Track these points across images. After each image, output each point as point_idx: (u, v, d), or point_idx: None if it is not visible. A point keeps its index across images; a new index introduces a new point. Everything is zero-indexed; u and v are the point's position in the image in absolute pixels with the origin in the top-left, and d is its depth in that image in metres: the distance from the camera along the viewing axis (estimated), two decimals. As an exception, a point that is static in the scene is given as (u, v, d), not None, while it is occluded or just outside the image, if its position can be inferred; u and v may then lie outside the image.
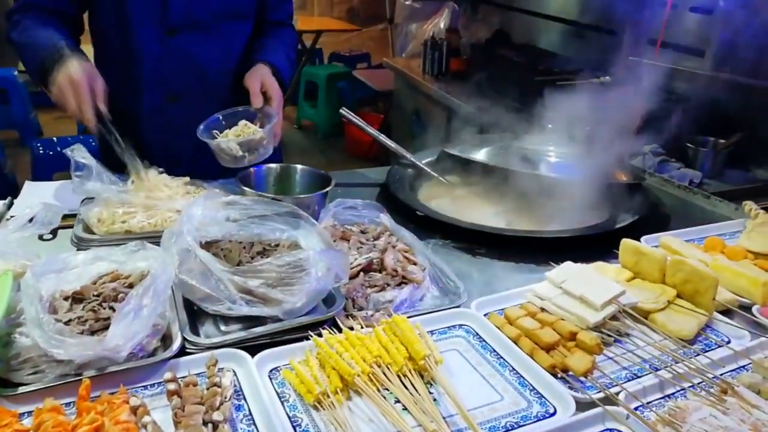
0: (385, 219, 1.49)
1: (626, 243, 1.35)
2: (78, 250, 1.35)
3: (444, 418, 0.93)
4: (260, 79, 1.70)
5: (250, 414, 0.95)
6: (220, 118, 1.65)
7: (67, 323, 1.02)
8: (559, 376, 1.05)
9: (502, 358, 1.10)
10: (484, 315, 1.21)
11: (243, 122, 1.63)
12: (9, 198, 1.62)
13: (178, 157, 1.78)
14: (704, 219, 1.73)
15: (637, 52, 2.24)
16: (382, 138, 1.96)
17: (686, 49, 2.59)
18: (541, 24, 3.88)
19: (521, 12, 4.07)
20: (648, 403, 0.99)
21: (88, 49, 1.68)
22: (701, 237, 1.60)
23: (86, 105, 1.48)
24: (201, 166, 1.67)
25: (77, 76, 1.48)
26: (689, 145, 2.38)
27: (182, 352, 1.05)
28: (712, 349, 1.14)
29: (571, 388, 1.02)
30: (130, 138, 1.56)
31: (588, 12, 3.41)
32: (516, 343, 1.12)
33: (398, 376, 1.00)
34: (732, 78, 1.77)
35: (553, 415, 0.97)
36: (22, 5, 1.68)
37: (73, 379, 0.96)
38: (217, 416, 0.89)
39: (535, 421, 0.96)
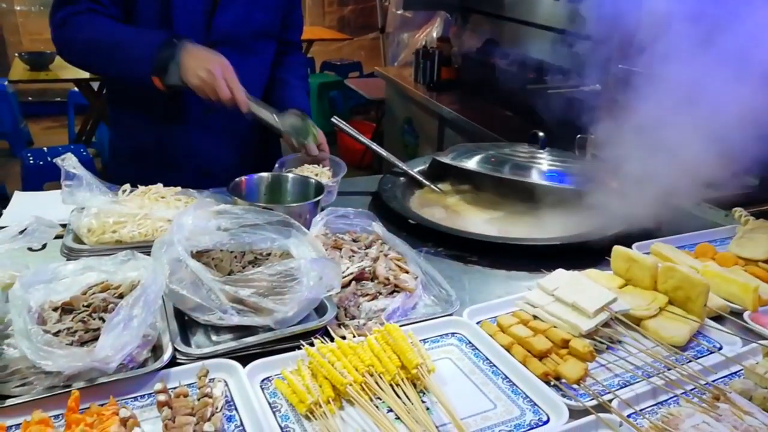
0: (377, 227, 1.49)
1: (618, 250, 1.36)
2: (68, 260, 1.34)
3: (437, 427, 0.93)
4: None
5: (242, 425, 0.94)
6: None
7: (56, 334, 1.01)
8: (551, 383, 1.05)
9: (494, 366, 1.10)
10: (477, 323, 1.20)
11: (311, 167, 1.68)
12: (-2, 209, 1.61)
13: (208, 168, 1.81)
14: (695, 226, 1.74)
15: (627, 60, 2.26)
16: (374, 146, 1.97)
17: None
18: (531, 33, 3.90)
19: (511, 21, 4.10)
20: (641, 410, 0.99)
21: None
22: (692, 244, 1.60)
23: (239, 87, 1.55)
24: (230, 177, 1.64)
25: (222, 61, 1.53)
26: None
27: (173, 362, 1.04)
28: (704, 356, 1.14)
29: (564, 395, 1.01)
30: (172, 147, 1.64)
31: (577, 21, 3.44)
32: (509, 351, 1.12)
33: (391, 385, 1.00)
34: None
35: (546, 423, 0.97)
36: (65, 3, 1.67)
37: (61, 391, 0.95)
38: (208, 427, 0.88)
39: (528, 430, 0.95)
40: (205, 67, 1.56)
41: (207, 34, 1.74)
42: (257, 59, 1.88)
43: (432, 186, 1.88)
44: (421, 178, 1.89)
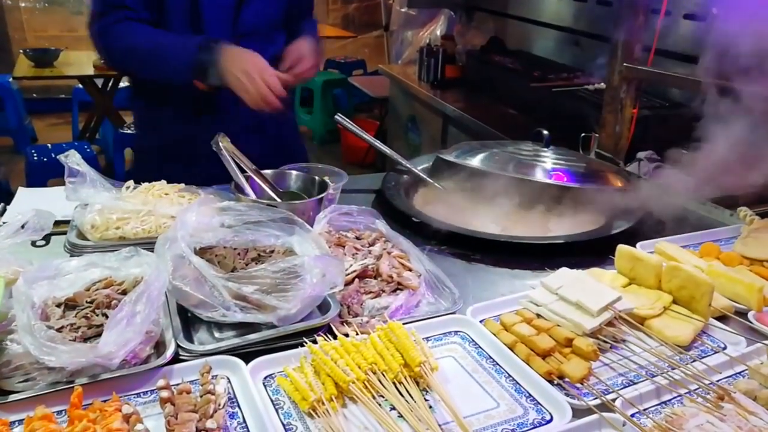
0: (381, 225, 1.49)
1: (622, 249, 1.35)
2: (71, 256, 1.35)
3: (440, 425, 0.93)
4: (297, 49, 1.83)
5: (245, 421, 0.94)
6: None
7: (59, 330, 1.01)
8: (555, 382, 1.04)
9: (498, 364, 1.10)
10: (480, 321, 1.20)
11: None
12: (2, 204, 1.62)
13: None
14: (699, 225, 1.73)
15: (631, 58, 2.25)
16: (378, 144, 1.96)
17: (680, 56, 2.61)
18: (536, 31, 3.90)
19: (516, 19, 4.09)
20: (645, 409, 0.98)
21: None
22: (697, 243, 1.60)
23: (275, 80, 1.62)
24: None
25: (261, 61, 1.61)
26: (684, 151, 2.38)
27: (176, 359, 1.04)
28: (709, 356, 1.14)
29: (567, 394, 1.01)
30: (200, 141, 1.67)
31: (582, 19, 3.43)
32: (512, 350, 1.11)
33: (394, 383, 1.00)
34: (726, 84, 1.78)
35: (549, 422, 0.96)
36: (100, 14, 1.74)
37: (64, 387, 0.95)
38: (210, 424, 0.88)
39: (531, 429, 0.95)
40: (242, 68, 1.62)
41: (234, 27, 1.79)
42: (273, 48, 1.91)
43: (435, 184, 1.88)
44: (424, 176, 1.89)
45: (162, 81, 1.79)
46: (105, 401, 0.92)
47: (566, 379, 1.05)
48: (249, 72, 1.62)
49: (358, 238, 1.44)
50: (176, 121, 1.89)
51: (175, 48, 1.69)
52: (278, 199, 1.53)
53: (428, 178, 1.89)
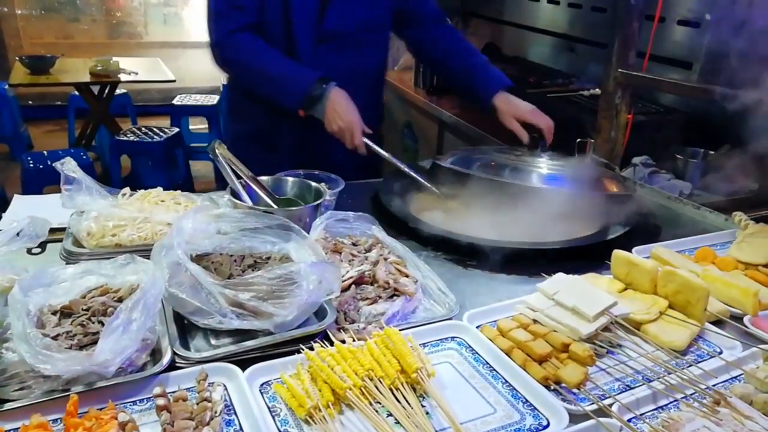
0: (377, 231, 1.49)
1: (618, 254, 1.36)
2: (67, 263, 1.34)
3: (436, 431, 0.93)
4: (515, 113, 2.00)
5: (241, 429, 0.94)
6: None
7: (55, 338, 1.01)
8: (552, 388, 1.04)
9: (494, 370, 1.10)
10: (477, 327, 1.20)
11: None
12: (-3, 212, 1.61)
13: (315, 159, 1.93)
14: (695, 230, 1.74)
15: (626, 64, 2.26)
16: (375, 147, 1.95)
17: (674, 61, 2.62)
18: (531, 37, 3.91)
19: (512, 25, 4.11)
20: (641, 414, 0.99)
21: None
22: (692, 248, 1.60)
23: (360, 130, 1.83)
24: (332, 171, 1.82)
25: (352, 108, 1.82)
26: (679, 156, 2.39)
27: (172, 366, 1.04)
28: (705, 360, 1.14)
29: (564, 400, 1.01)
30: (287, 135, 2.00)
31: (577, 25, 3.44)
32: (508, 355, 1.11)
33: (390, 390, 0.99)
34: (720, 89, 1.80)
35: (546, 427, 0.96)
36: (219, 14, 1.89)
37: (60, 395, 0.94)
38: (207, 431, 0.88)
39: (528, 434, 0.95)
40: (337, 123, 1.83)
41: (318, 28, 1.91)
42: (369, 50, 2.05)
43: (433, 188, 1.88)
44: (422, 180, 1.89)
45: (269, 100, 1.94)
46: (101, 409, 0.92)
47: (563, 385, 1.05)
48: (343, 130, 1.84)
49: (354, 245, 1.45)
50: (266, 116, 2.03)
51: (291, 79, 1.87)
52: (275, 206, 1.53)
53: (426, 183, 1.89)
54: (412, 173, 1.90)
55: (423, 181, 1.89)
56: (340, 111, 1.84)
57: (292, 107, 1.87)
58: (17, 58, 5.26)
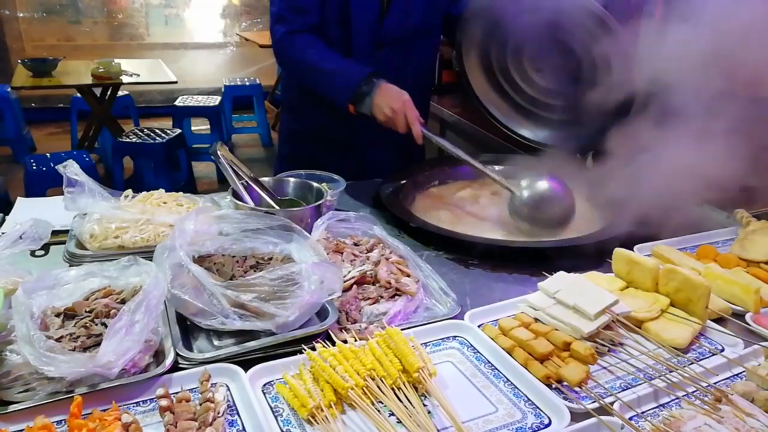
0: (379, 231, 1.50)
1: (619, 252, 1.36)
2: (70, 266, 1.35)
3: (438, 430, 0.93)
4: None
5: (244, 429, 0.94)
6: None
7: (58, 340, 1.01)
8: (553, 386, 1.04)
9: (496, 369, 1.10)
10: (478, 326, 1.20)
11: None
12: (1, 214, 1.62)
13: (365, 158, 2.08)
14: (696, 227, 1.74)
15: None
16: (434, 137, 1.84)
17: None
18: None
19: (512, 24, 4.10)
20: (643, 412, 0.99)
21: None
22: (694, 245, 1.60)
23: (416, 121, 1.81)
24: (380, 169, 1.93)
25: (405, 99, 1.81)
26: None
27: (175, 367, 1.04)
28: (706, 358, 1.14)
29: (565, 398, 1.01)
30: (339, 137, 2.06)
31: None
32: (510, 354, 1.12)
33: (392, 389, 1.00)
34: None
35: (548, 426, 0.97)
36: (281, 17, 1.95)
37: (64, 397, 0.95)
38: (210, 432, 0.88)
39: (530, 433, 0.95)
40: (390, 106, 1.81)
41: (377, 32, 1.96)
42: (422, 54, 2.10)
43: (502, 182, 1.75)
44: (492, 175, 1.76)
45: (322, 96, 1.97)
46: (104, 410, 0.92)
47: (564, 383, 1.05)
48: (395, 109, 1.81)
49: (356, 245, 1.45)
50: (321, 114, 2.07)
51: (342, 74, 1.89)
52: (276, 207, 1.54)
53: (493, 175, 1.77)
54: (478, 166, 1.78)
55: (493, 175, 1.77)
56: (391, 95, 1.83)
57: (342, 102, 1.89)
58: (19, 60, 5.28)
